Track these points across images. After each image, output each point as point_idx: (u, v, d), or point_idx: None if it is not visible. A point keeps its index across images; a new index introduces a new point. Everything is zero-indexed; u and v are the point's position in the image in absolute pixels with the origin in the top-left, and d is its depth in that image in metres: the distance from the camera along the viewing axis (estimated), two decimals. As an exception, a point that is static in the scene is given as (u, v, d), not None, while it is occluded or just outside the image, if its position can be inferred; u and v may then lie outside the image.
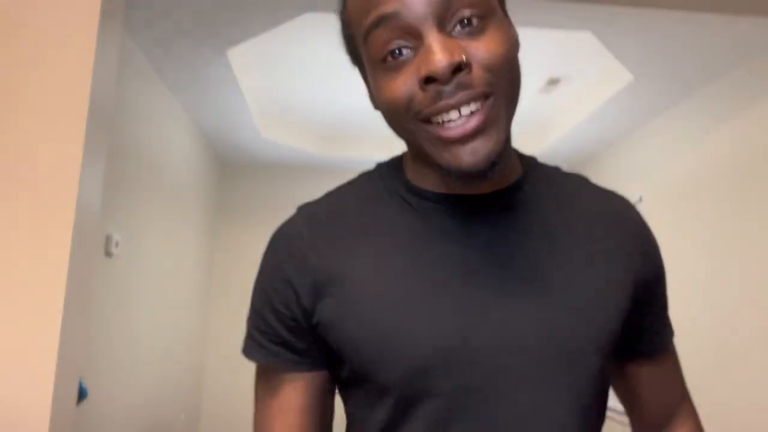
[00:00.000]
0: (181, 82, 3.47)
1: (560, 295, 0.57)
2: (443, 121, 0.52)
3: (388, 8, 0.51)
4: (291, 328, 0.60)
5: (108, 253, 2.73)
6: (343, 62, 3.57)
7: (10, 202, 1.52)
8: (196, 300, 4.51)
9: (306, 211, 0.64)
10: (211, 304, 4.98)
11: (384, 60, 0.54)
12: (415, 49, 0.52)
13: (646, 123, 3.75)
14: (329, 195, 0.66)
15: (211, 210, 4.85)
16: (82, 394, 1.74)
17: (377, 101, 0.58)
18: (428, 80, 0.51)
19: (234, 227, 5.13)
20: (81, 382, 1.73)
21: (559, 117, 4.08)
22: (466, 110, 0.51)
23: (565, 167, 0.68)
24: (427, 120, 0.53)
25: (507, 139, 0.58)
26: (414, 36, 0.52)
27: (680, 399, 0.74)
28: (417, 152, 0.60)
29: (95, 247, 1.68)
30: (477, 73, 0.51)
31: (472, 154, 0.52)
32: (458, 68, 0.50)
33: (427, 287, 0.56)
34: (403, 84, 0.53)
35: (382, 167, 0.67)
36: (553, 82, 3.50)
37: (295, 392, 0.61)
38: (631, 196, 3.87)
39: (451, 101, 0.51)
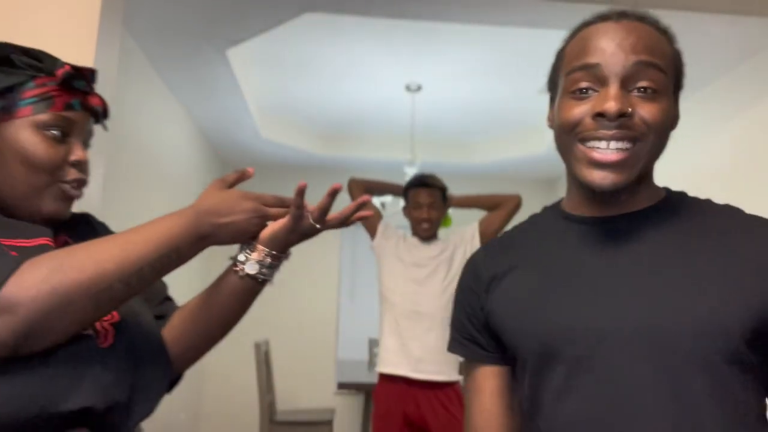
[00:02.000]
0: (181, 82, 3.47)
1: (660, 296, 0.70)
2: (593, 146, 0.73)
3: (594, 59, 0.73)
4: (475, 324, 0.86)
5: (108, 253, 2.73)
6: (343, 62, 3.57)
7: (10, 201, 1.52)
8: (195, 300, 4.50)
9: (487, 244, 0.92)
10: (211, 304, 4.97)
11: (573, 92, 0.75)
12: (597, 92, 0.73)
13: (646, 123, 3.75)
14: (508, 230, 0.92)
15: (211, 210, 4.84)
16: (81, 394, 1.74)
17: (554, 120, 0.80)
18: (599, 114, 0.71)
19: (234, 227, 5.12)
20: (81, 382, 1.73)
21: (559, 117, 4.08)
22: (614, 145, 0.71)
23: (716, 200, 0.81)
24: (583, 141, 0.73)
25: (640, 177, 0.76)
26: (602, 83, 0.73)
27: None
28: (569, 171, 0.80)
29: (95, 247, 1.68)
30: (637, 122, 0.71)
31: (602, 179, 0.72)
32: (623, 115, 0.70)
33: (558, 284, 0.77)
34: (579, 111, 0.74)
35: (548, 206, 0.90)
36: (553, 82, 3.50)
37: (486, 380, 0.85)
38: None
39: (609, 132, 0.71)
